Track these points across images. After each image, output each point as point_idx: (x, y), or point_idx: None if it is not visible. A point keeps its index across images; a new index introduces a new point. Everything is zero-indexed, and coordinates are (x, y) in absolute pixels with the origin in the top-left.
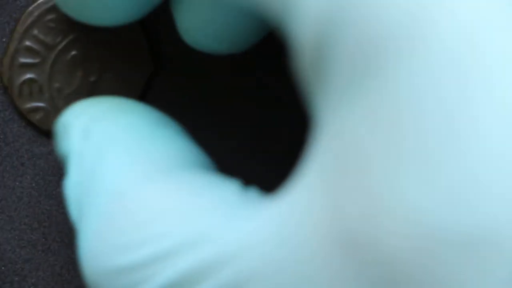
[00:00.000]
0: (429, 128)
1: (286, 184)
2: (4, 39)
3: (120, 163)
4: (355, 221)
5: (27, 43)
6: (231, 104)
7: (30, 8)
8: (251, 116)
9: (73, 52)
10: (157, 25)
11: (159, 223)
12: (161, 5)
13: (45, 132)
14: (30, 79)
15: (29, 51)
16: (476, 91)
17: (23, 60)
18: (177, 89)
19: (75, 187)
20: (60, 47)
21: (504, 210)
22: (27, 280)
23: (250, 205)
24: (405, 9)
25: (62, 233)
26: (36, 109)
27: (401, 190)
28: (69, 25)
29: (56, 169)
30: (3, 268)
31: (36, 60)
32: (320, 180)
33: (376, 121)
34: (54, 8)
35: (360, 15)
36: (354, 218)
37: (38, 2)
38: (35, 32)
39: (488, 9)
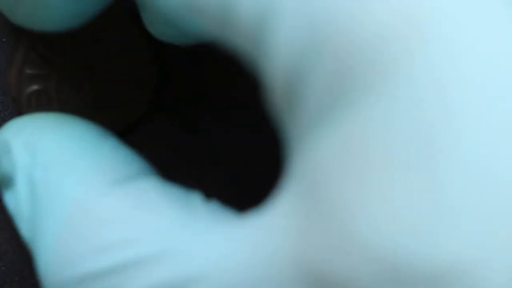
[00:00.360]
0: (397, 162)
1: (260, 207)
2: (10, 51)
3: (75, 172)
4: (322, 256)
5: (34, 54)
6: (237, 106)
7: None
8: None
9: (80, 62)
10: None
11: (125, 230)
12: None
13: None
14: (38, 90)
15: (36, 62)
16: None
17: (30, 71)
18: (185, 97)
19: (26, 202)
20: (67, 57)
21: (470, 249)
22: (27, 280)
23: (216, 220)
24: (371, 47)
25: None
26: None
27: (368, 226)
28: (74, 36)
29: None
30: (3, 268)
31: (43, 71)
32: (291, 211)
33: (344, 154)
34: None
35: (328, 53)
36: (321, 253)
37: None
38: (42, 44)
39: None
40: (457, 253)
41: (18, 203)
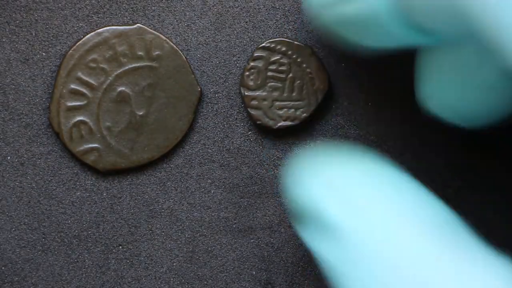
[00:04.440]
0: None
1: None
2: (48, 85)
3: (390, 226)
4: None
5: (72, 86)
6: None
7: (70, 51)
8: None
9: (119, 89)
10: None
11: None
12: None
13: (101, 172)
14: (79, 122)
15: (75, 94)
16: None
17: (69, 103)
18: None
19: (336, 254)
20: (104, 86)
21: None
22: (27, 280)
23: None
24: None
25: (62, 233)
26: (90, 151)
27: None
28: (110, 63)
29: (56, 169)
30: (3, 268)
31: (83, 102)
32: None
33: None
34: (93, 49)
35: None
36: None
37: (77, 44)
38: (78, 74)
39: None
40: None
41: (328, 252)
